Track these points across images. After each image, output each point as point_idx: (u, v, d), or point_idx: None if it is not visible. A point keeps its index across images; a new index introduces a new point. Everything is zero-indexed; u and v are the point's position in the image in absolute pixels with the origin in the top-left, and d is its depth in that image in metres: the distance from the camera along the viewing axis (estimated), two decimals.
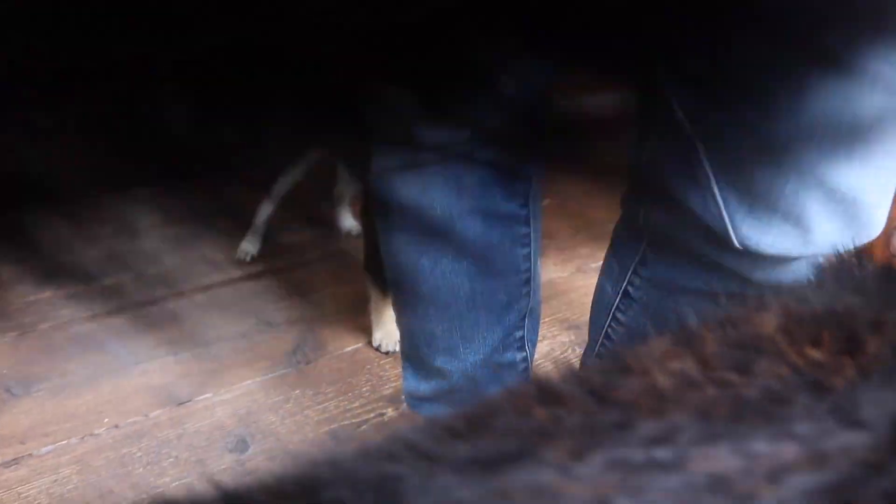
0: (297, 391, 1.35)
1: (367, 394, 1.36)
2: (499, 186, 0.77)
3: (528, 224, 0.81)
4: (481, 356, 0.86)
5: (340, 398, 1.34)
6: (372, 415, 1.31)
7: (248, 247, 1.76)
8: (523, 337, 0.89)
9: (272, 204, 1.75)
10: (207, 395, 1.31)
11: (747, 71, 0.52)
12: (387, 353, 1.43)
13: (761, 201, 0.55)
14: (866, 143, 0.52)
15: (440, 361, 0.87)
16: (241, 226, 1.86)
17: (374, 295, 1.45)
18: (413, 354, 0.91)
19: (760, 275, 0.61)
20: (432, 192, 0.75)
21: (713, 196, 0.57)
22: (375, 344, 1.46)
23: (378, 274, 1.36)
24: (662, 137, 0.59)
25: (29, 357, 1.39)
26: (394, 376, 1.40)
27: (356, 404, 1.33)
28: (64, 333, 1.44)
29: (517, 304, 0.85)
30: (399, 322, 0.92)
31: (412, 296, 0.84)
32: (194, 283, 1.65)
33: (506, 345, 0.87)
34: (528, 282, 0.85)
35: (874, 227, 0.56)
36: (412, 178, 0.75)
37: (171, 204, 1.76)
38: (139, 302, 1.56)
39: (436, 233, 0.78)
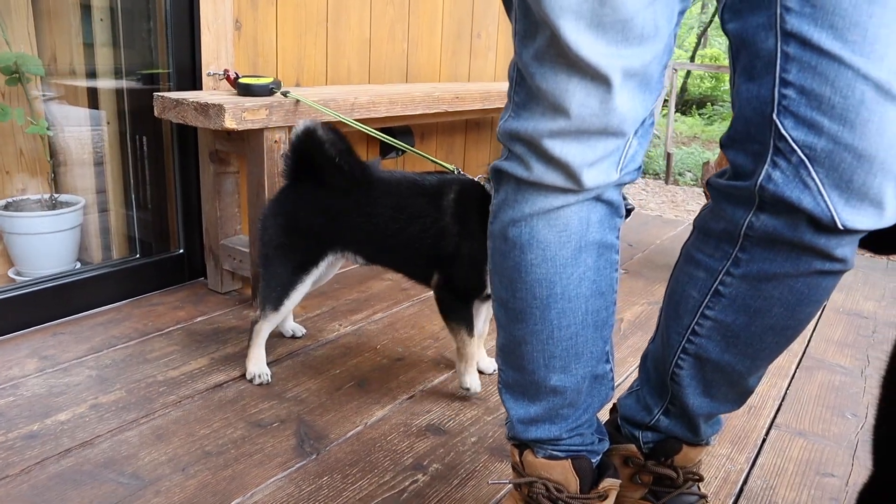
0: (326, 478, 1.37)
1: (390, 467, 1.41)
2: (608, 221, 0.96)
3: (618, 252, 1.01)
4: (589, 369, 1.02)
5: (369, 475, 1.38)
6: (407, 482, 1.37)
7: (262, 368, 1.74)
8: (609, 350, 1.06)
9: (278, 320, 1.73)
10: (239, 500, 1.29)
11: None
12: (475, 393, 1.69)
13: (855, 193, 0.80)
14: None
15: (555, 380, 1.01)
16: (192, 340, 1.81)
17: (468, 348, 1.66)
18: (524, 382, 1.04)
19: (840, 250, 0.86)
20: (570, 230, 0.92)
21: (822, 196, 0.81)
22: (472, 391, 1.69)
23: (460, 317, 1.62)
24: (777, 164, 0.82)
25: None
26: (405, 448, 1.48)
27: (387, 477, 1.38)
28: (44, 473, 1.33)
29: (610, 320, 1.03)
30: (511, 355, 1.04)
31: (540, 324, 0.97)
32: (161, 401, 1.59)
33: (602, 357, 1.04)
34: (615, 302, 1.04)
35: None
36: (556, 219, 0.91)
37: None
38: (111, 429, 1.47)
39: (567, 263, 0.94)
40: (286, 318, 1.95)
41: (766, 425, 1.65)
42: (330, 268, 1.84)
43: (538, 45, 0.84)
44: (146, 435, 1.47)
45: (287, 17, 2.35)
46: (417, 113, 2.36)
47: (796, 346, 2.08)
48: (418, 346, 1.94)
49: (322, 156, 1.62)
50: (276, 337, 1.91)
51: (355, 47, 2.62)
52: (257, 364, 1.73)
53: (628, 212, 1.53)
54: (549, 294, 0.96)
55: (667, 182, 6.29)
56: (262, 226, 1.70)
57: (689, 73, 10.37)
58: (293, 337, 1.96)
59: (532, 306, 0.97)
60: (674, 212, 5.15)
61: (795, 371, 1.93)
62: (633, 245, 3.09)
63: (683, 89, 10.51)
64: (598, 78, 0.81)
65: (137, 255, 2.23)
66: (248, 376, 1.71)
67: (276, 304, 1.69)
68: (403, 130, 2.74)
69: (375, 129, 1.88)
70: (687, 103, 10.50)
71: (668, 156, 6.34)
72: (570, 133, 0.85)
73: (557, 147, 0.86)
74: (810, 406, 1.75)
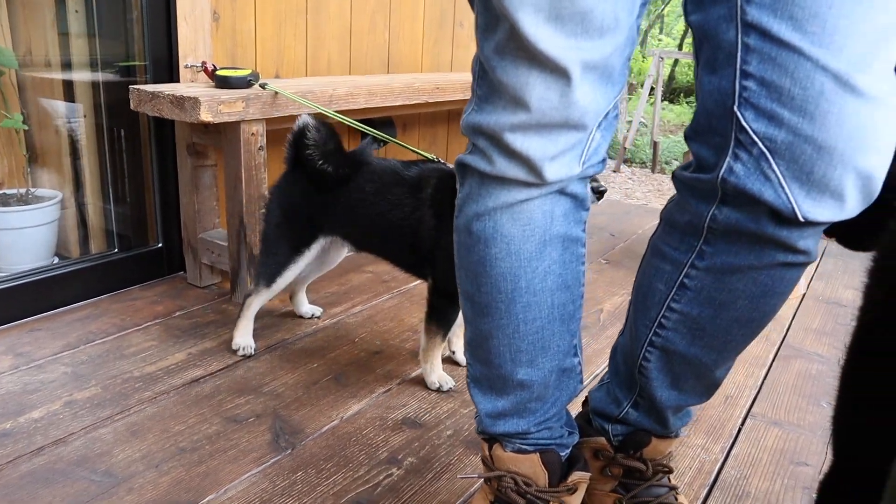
0: (300, 473, 1.36)
1: (365, 461, 1.41)
2: (573, 214, 0.95)
3: (584, 245, 1.00)
4: (556, 363, 1.02)
5: (344, 470, 1.38)
6: (381, 476, 1.37)
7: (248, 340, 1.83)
8: (577, 343, 1.06)
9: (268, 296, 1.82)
10: (212, 497, 1.28)
11: None
12: (447, 391, 1.70)
13: (816, 185, 0.80)
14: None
15: (522, 374, 1.01)
16: (169, 335, 1.81)
17: (436, 349, 1.68)
18: (491, 376, 1.03)
19: (803, 242, 0.86)
20: (534, 223, 0.92)
21: (783, 188, 0.80)
22: (435, 387, 1.69)
23: (445, 323, 1.65)
24: (738, 157, 0.82)
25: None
26: (381, 442, 1.48)
27: (361, 472, 1.38)
28: (16, 472, 1.32)
29: (577, 313, 1.03)
30: (478, 349, 1.04)
31: (506, 318, 0.97)
32: (137, 397, 1.58)
33: (569, 350, 1.03)
34: (582, 295, 1.04)
35: (875, 194, 0.82)
36: (519, 213, 0.91)
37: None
38: (85, 426, 1.46)
39: (532, 257, 0.94)
40: (302, 301, 2.04)
41: (742, 415, 1.65)
42: (335, 253, 1.94)
43: (498, 39, 0.83)
44: (120, 432, 1.46)
45: (266, 7, 2.33)
46: (398, 104, 2.35)
47: (774, 335, 2.09)
48: (397, 339, 1.94)
49: (310, 157, 1.72)
50: (275, 326, 1.91)
51: (336, 38, 2.60)
52: (244, 336, 1.82)
53: (601, 194, 1.54)
54: (513, 288, 0.95)
55: (653, 171, 6.30)
56: (266, 206, 1.82)
57: (676, 61, 10.36)
58: (312, 317, 2.04)
59: (497, 300, 0.97)
60: (659, 201, 5.16)
61: (773, 360, 1.94)
62: (615, 235, 3.09)
63: (671, 77, 10.51)
64: (557, 71, 0.80)
65: (115, 250, 2.22)
66: (234, 346, 1.81)
67: (269, 280, 1.79)
68: (385, 121, 2.73)
69: (356, 119, 1.89)
70: (674, 91, 10.50)
71: (655, 144, 6.34)
72: (531, 126, 0.84)
73: (519, 141, 0.85)
74: (786, 395, 1.76)
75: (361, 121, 2.48)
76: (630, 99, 7.42)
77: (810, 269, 2.54)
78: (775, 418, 1.65)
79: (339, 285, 2.29)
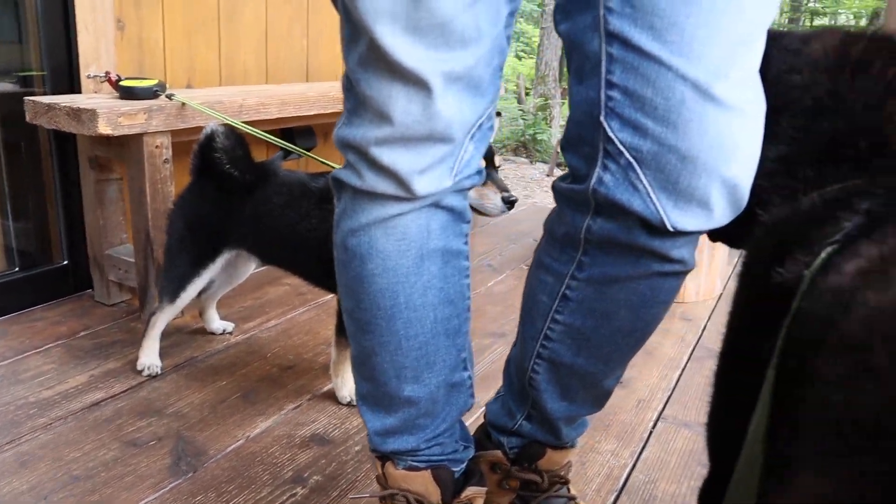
0: (200, 497, 1.32)
1: (269, 481, 1.37)
2: (452, 227, 0.94)
3: (467, 258, 0.99)
4: (442, 378, 1.00)
5: (246, 492, 1.34)
6: (285, 497, 1.33)
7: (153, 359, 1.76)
8: (466, 357, 1.04)
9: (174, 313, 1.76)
10: None
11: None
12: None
13: (682, 195, 0.80)
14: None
15: (408, 391, 0.99)
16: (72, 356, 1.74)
17: (346, 358, 1.60)
18: (377, 394, 1.01)
19: (676, 251, 0.86)
20: (409, 238, 0.90)
21: (651, 198, 0.80)
22: (346, 401, 1.64)
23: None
24: (607, 167, 0.81)
25: None
26: (287, 460, 1.44)
27: (264, 493, 1.34)
28: None
29: (463, 327, 1.01)
30: (362, 366, 1.01)
31: (387, 334, 0.95)
32: (30, 424, 1.51)
33: (457, 365, 1.02)
34: (468, 308, 1.02)
35: (744, 203, 0.83)
36: (393, 228, 0.89)
37: None
38: None
39: (409, 272, 0.92)
40: (213, 318, 1.97)
41: (654, 418, 1.67)
42: (243, 267, 1.90)
43: (360, 51, 0.81)
44: (9, 463, 1.38)
45: (175, 15, 2.27)
46: (313, 113, 2.31)
47: (690, 336, 2.12)
48: (311, 353, 1.90)
49: (218, 160, 1.67)
50: (184, 344, 1.84)
51: (251, 46, 2.55)
52: (149, 355, 1.76)
53: (511, 203, 1.53)
54: (392, 304, 0.93)
55: None
56: (169, 219, 1.76)
57: None
58: (223, 333, 1.98)
59: (377, 317, 0.94)
60: None
61: (687, 362, 1.96)
62: (537, 240, 3.10)
63: None
64: (418, 83, 0.79)
65: (17, 269, 2.12)
66: (139, 367, 1.74)
67: (173, 296, 1.73)
68: (304, 131, 2.68)
69: (272, 129, 1.86)
70: None
71: None
72: (397, 140, 0.82)
73: (386, 155, 0.83)
74: (698, 397, 1.78)
75: (281, 130, 2.44)
76: (564, 103, 7.52)
77: (727, 270, 2.59)
78: (686, 420, 1.67)
79: (254, 299, 2.23)
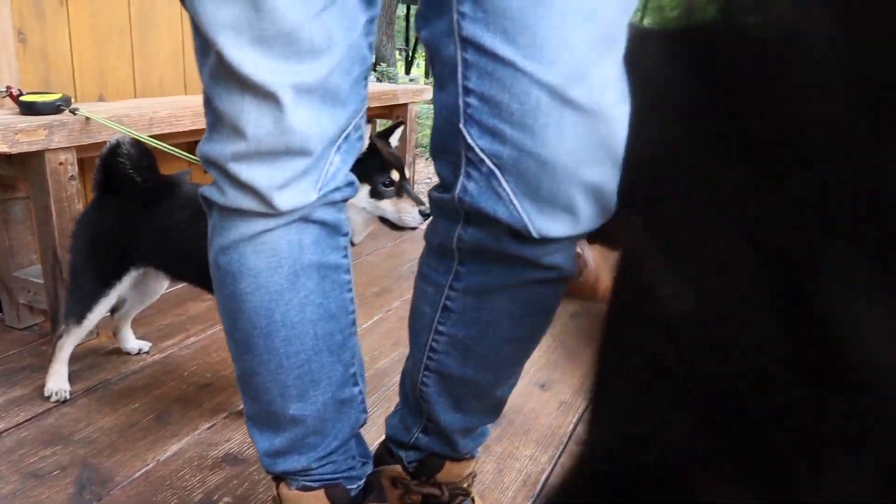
0: None
1: None
2: (327, 241, 0.91)
3: (348, 272, 0.96)
4: (329, 395, 0.97)
5: None
6: None
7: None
8: (356, 372, 1.02)
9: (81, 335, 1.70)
10: None
11: None
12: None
13: (546, 201, 0.79)
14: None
15: (294, 409, 0.96)
16: None
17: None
18: (263, 413, 0.98)
19: (548, 258, 0.85)
20: (280, 254, 0.87)
21: (514, 206, 0.79)
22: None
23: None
24: (470, 175, 0.80)
25: None
26: (196, 483, 1.40)
27: None
28: None
29: (349, 342, 0.99)
30: (246, 386, 0.98)
31: (266, 353, 0.92)
32: None
33: (345, 381, 0.99)
34: (353, 322, 1.00)
35: (612, 208, 0.82)
36: (262, 244, 0.86)
37: None
38: None
39: (284, 289, 0.89)
40: (128, 337, 1.91)
41: (574, 421, 1.67)
42: (156, 284, 1.85)
43: (211, 64, 0.78)
44: None
45: (82, 26, 2.20)
46: None
47: None
48: (229, 370, 1.85)
49: (123, 172, 1.62)
50: (98, 366, 1.78)
51: (167, 57, 2.49)
52: (57, 380, 1.69)
53: (427, 216, 1.51)
54: (268, 322, 0.90)
55: None
56: (73, 237, 1.70)
57: None
58: (140, 353, 1.92)
59: (254, 336, 0.92)
60: None
61: None
62: None
63: None
64: (268, 97, 0.76)
65: None
66: (46, 393, 1.68)
67: (79, 317, 1.67)
68: None
69: (187, 142, 1.81)
70: None
71: None
72: (252, 155, 0.80)
73: (244, 170, 0.81)
74: None
75: (197, 143, 2.38)
76: None
77: None
78: None
79: (174, 316, 2.17)
